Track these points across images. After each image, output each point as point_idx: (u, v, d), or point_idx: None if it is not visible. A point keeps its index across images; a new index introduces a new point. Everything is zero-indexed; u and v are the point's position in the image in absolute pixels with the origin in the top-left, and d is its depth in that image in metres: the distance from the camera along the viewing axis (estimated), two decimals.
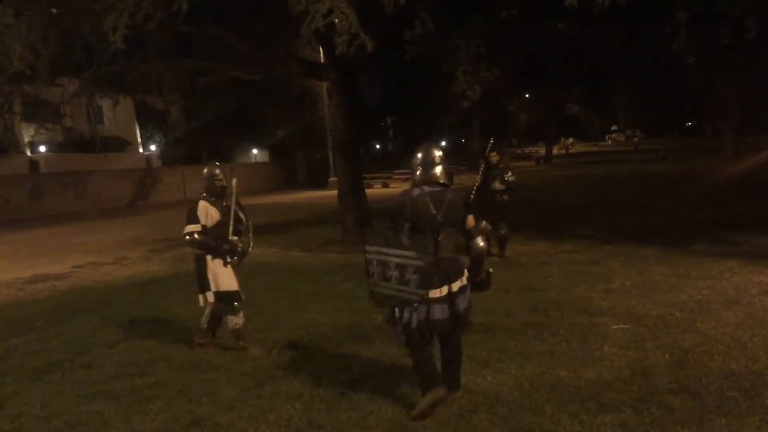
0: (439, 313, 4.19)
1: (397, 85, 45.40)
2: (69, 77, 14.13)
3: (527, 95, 53.51)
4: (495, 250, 9.98)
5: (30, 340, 6.83)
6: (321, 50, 15.45)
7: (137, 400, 4.78)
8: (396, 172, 45.86)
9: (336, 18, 8.82)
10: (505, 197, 9.95)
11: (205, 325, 6.02)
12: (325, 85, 32.12)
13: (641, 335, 5.71)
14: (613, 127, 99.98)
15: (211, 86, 17.19)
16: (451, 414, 4.23)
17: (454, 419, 4.16)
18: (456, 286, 4.24)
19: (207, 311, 5.97)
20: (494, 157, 9.89)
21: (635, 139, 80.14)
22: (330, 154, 36.03)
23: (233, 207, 5.92)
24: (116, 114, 37.87)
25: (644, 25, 16.66)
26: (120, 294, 9.35)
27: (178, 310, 7.85)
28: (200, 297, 5.85)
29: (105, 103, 21.28)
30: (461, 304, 4.28)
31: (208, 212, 5.78)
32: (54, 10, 10.49)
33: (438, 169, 4.36)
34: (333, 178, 31.45)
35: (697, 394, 4.35)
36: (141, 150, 44.65)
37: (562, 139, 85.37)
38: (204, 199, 5.89)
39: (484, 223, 4.65)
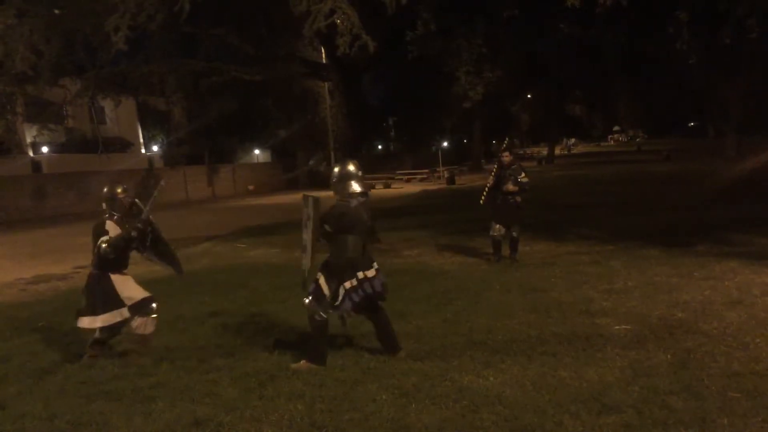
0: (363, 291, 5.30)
1: (398, 85, 45.32)
2: (71, 78, 14.17)
3: (529, 95, 53.54)
4: (507, 252, 9.96)
5: (33, 341, 6.84)
6: (323, 51, 15.47)
7: (139, 400, 4.78)
8: (398, 172, 45.86)
9: (338, 18, 8.84)
10: (518, 199, 9.75)
11: (98, 336, 5.91)
12: (327, 85, 32.21)
13: (643, 336, 5.71)
14: (616, 128, 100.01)
15: (214, 87, 17.17)
16: (453, 414, 4.24)
17: (456, 419, 4.16)
18: (371, 272, 5.37)
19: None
20: (507, 158, 9.78)
21: (637, 140, 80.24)
22: (332, 154, 36.06)
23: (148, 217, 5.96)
24: (118, 115, 38.01)
25: (646, 25, 16.65)
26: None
27: (179, 310, 7.86)
28: (107, 315, 5.66)
29: (107, 104, 21.33)
30: (377, 284, 5.40)
31: (115, 231, 5.74)
32: (56, 11, 10.52)
33: (358, 183, 5.40)
34: None
35: (699, 394, 4.34)
36: (143, 151, 44.68)
37: (565, 140, 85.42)
38: (109, 218, 5.87)
39: None
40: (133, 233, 5.80)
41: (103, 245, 5.64)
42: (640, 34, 19.21)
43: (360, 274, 5.30)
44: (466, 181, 37.70)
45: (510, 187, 9.63)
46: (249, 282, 9.60)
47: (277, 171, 48.23)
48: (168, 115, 43.26)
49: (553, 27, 17.15)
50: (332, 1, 8.70)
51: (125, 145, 42.39)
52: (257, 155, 51.91)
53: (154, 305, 5.84)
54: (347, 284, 5.27)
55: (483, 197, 9.97)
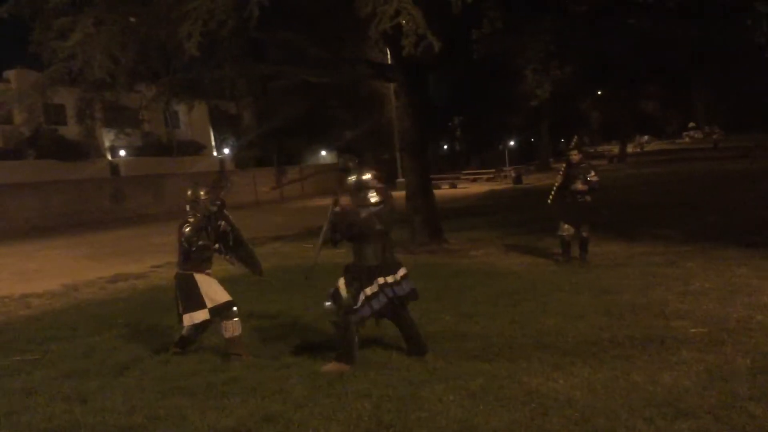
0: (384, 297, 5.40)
1: (464, 84, 45.04)
2: (147, 84, 14.67)
3: (600, 92, 52.26)
4: (576, 253, 9.78)
5: (112, 337, 7.12)
6: (388, 52, 15.52)
7: (213, 396, 4.92)
8: (464, 172, 45.62)
9: (403, 19, 8.85)
10: (588, 198, 9.54)
11: (183, 333, 6.16)
12: (392, 86, 32.28)
13: (721, 339, 5.50)
14: (691, 124, 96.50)
15: (282, 90, 17.53)
16: (522, 417, 4.18)
17: (525, 422, 4.11)
18: (391, 278, 5.49)
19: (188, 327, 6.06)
20: (575, 156, 9.59)
21: (714, 137, 77.20)
22: (398, 155, 36.16)
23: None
24: (191, 119, 39.19)
25: (722, 17, 16.00)
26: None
27: (250, 307, 8.03)
28: (188, 316, 5.86)
29: (181, 109, 22.01)
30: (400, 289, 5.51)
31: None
32: (132, 19, 10.92)
33: (374, 192, 5.47)
34: (401, 179, 31.53)
35: None
36: (215, 153, 45.90)
37: (637, 137, 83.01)
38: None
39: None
40: (213, 208, 5.99)
41: (186, 229, 5.81)
42: (715, 27, 18.46)
43: (381, 280, 5.39)
44: (533, 180, 37.14)
45: (579, 186, 9.43)
46: (316, 282, 9.70)
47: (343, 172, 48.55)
48: (238, 119, 44.33)
49: (624, 22, 16.69)
50: (397, 2, 8.71)
51: (198, 148, 43.65)
52: (324, 157, 52.54)
53: (234, 308, 5.95)
54: (368, 291, 5.37)
55: (551, 197, 9.80)
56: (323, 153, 52.01)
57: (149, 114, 17.76)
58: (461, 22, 11.98)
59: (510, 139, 59.23)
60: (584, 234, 9.62)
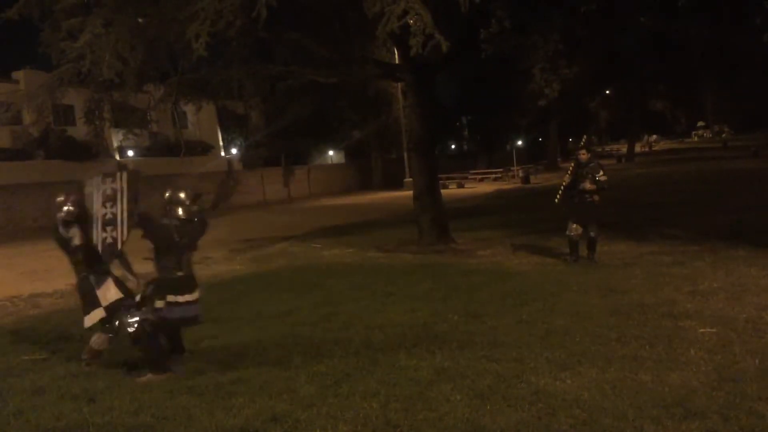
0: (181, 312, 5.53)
1: (472, 84, 45.00)
2: (155, 84, 14.70)
3: (608, 91, 52.10)
4: (585, 252, 9.74)
5: (119, 337, 7.14)
6: (396, 51, 15.52)
7: (220, 395, 4.93)
8: (471, 172, 45.56)
9: (411, 19, 8.84)
10: (596, 198, 9.47)
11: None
12: (400, 85, 32.28)
13: (729, 339, 5.47)
14: (700, 123, 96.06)
15: (290, 90, 17.52)
16: (529, 417, 4.18)
17: (532, 422, 4.10)
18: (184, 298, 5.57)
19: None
20: (584, 156, 9.54)
21: (723, 135, 76.81)
22: (405, 154, 36.13)
23: None
24: (199, 119, 39.28)
25: (731, 16, 15.92)
26: (206, 293, 9.62)
27: (258, 308, 8.07)
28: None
29: (189, 109, 22.04)
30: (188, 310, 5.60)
31: None
32: (141, 20, 10.95)
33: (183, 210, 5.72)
34: (408, 179, 31.56)
35: None
36: (222, 153, 45.99)
37: (645, 136, 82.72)
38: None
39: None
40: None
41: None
42: (725, 26, 18.36)
43: (170, 298, 5.51)
44: (541, 180, 37.04)
45: (587, 185, 9.39)
46: (324, 281, 9.74)
47: (350, 172, 48.74)
48: (246, 119, 44.38)
49: (634, 20, 16.64)
50: (405, 1, 8.70)
51: (206, 148, 43.71)
52: (331, 156, 52.58)
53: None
54: (158, 303, 5.50)
55: (558, 196, 9.78)
56: (331, 153, 52.06)
57: (157, 114, 17.76)
58: (469, 22, 11.98)
59: (518, 138, 59.16)
60: (592, 234, 9.58)
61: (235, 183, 38.31)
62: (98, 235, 5.71)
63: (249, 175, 40.25)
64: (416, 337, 6.15)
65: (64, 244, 5.93)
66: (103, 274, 5.95)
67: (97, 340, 5.91)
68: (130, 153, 38.71)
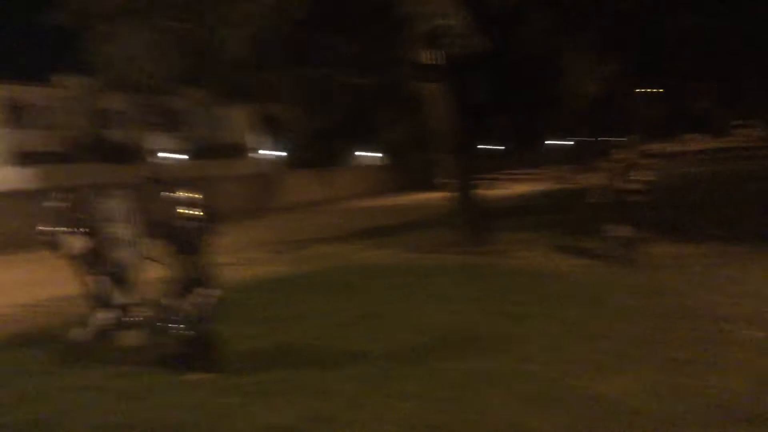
0: None
1: (508, 83, 44.64)
2: (192, 88, 14.95)
3: (649, 90, 51.18)
4: (626, 253, 9.60)
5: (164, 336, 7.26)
6: (431, 52, 15.51)
7: (264, 394, 4.99)
8: (508, 172, 45.26)
9: (445, 20, 8.83)
10: (636, 197, 9.35)
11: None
12: (435, 86, 32.21)
13: None
14: (743, 122, 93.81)
15: (327, 92, 17.63)
16: (573, 420, 4.15)
17: (576, 426, 4.07)
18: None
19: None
20: (623, 155, 9.45)
21: None
22: (440, 155, 36.03)
23: None
24: (236, 122, 39.77)
25: None
26: (247, 293, 9.75)
27: (299, 309, 8.13)
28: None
29: (226, 112, 22.30)
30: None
31: None
32: (178, 25, 11.15)
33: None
34: (446, 180, 31.47)
35: None
36: (260, 155, 46.47)
37: (687, 135, 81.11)
38: None
39: None
40: None
41: None
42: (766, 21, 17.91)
43: (198, 292, 5.69)
44: (580, 180, 36.57)
45: (627, 185, 9.27)
46: (364, 283, 9.78)
47: (388, 173, 48.80)
48: (281, 121, 44.76)
49: (674, 17, 16.33)
50: (440, 2, 8.71)
51: (244, 151, 44.25)
52: (370, 158, 52.69)
53: None
54: (194, 298, 5.65)
55: (597, 196, 9.67)
56: (369, 154, 52.17)
57: (195, 117, 18.08)
58: (505, 21, 11.91)
59: (555, 138, 58.45)
60: (632, 234, 9.44)
61: (274, 185, 38.67)
62: (120, 251, 6.17)
63: (288, 177, 40.60)
64: (457, 339, 6.14)
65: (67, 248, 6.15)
66: (111, 277, 6.20)
67: (129, 337, 6.13)
68: (169, 156, 39.34)
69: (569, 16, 13.08)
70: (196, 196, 5.98)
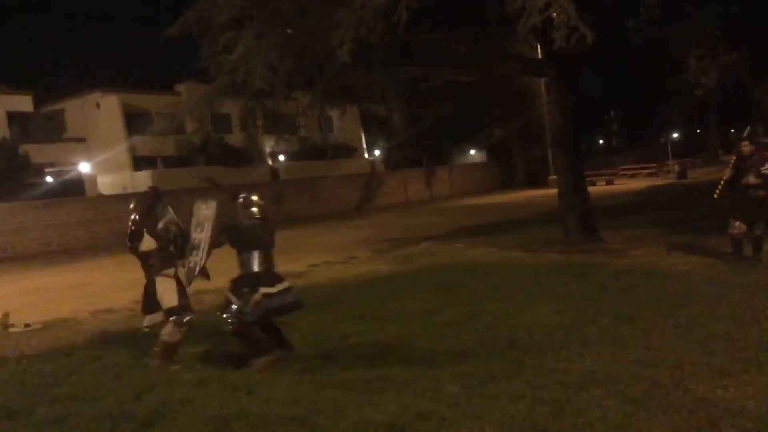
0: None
1: (620, 75, 42.96)
2: (302, 91, 15.39)
3: None
4: (749, 252, 9.04)
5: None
6: (538, 46, 15.18)
7: (368, 391, 5.05)
8: (621, 168, 43.59)
9: (553, 12, 8.62)
10: (761, 193, 8.71)
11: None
12: (543, 81, 31.49)
13: None
14: None
15: (430, 91, 17.67)
16: (687, 426, 3.94)
17: (690, 431, 3.86)
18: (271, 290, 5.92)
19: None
20: (747, 148, 8.85)
21: None
22: (549, 151, 35.21)
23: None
24: (344, 123, 40.60)
25: None
26: (350, 291, 9.96)
27: (402, 307, 8.19)
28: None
29: (334, 113, 22.86)
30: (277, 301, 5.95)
31: None
32: (289, 31, 11.51)
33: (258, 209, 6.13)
34: (553, 176, 30.76)
35: None
36: (366, 155, 47.20)
37: None
38: None
39: None
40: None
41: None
42: None
43: (263, 290, 5.85)
44: (700, 174, 34.78)
45: (751, 179, 8.68)
46: (467, 281, 9.72)
47: (492, 171, 48.29)
48: (388, 121, 45.26)
49: None
50: None
51: (350, 151, 45.10)
52: (473, 156, 52.34)
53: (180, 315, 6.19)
54: (256, 296, 5.82)
55: (719, 191, 9.12)
56: (472, 152, 51.83)
57: (305, 120, 18.58)
58: (616, 11, 11.48)
59: (673, 131, 55.77)
60: (757, 232, 8.85)
61: (378, 184, 39.18)
62: (185, 258, 6.29)
63: (391, 175, 41.05)
64: (563, 339, 5.98)
65: (134, 251, 6.38)
66: (169, 278, 6.28)
67: (168, 332, 6.18)
68: (281, 157, 40.71)
69: (685, 3, 12.42)
70: (256, 198, 6.19)
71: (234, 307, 5.93)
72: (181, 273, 6.36)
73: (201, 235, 6.16)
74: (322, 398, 4.97)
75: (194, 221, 6.29)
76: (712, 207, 10.60)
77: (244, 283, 5.95)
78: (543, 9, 8.54)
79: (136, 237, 6.27)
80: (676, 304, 7.01)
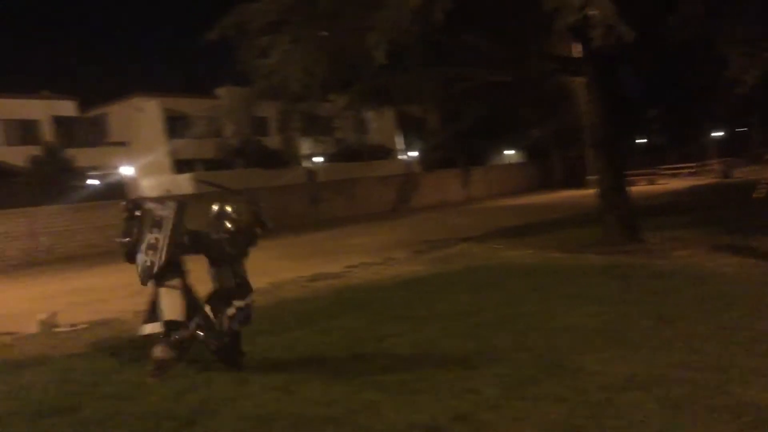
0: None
1: (660, 74, 42.14)
2: (338, 93, 15.46)
3: None
4: None
5: (312, 332, 7.58)
6: (575, 45, 15.00)
7: (405, 392, 5.06)
8: (663, 167, 42.77)
9: (590, 10, 8.52)
10: None
11: None
12: (580, 80, 31.11)
13: None
14: None
15: (466, 91, 17.58)
16: (731, 430, 3.85)
17: None
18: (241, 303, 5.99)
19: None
20: None
21: None
22: (587, 152, 34.72)
23: None
24: (380, 124, 40.58)
25: None
26: (388, 292, 9.97)
27: (440, 308, 8.18)
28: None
29: (370, 115, 22.94)
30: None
31: None
32: (325, 34, 11.58)
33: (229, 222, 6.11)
34: (591, 177, 30.35)
35: None
36: (402, 156, 47.18)
37: None
38: None
39: None
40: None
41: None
42: None
43: (236, 303, 5.92)
44: (743, 174, 33.93)
45: None
46: (504, 282, 9.66)
47: (529, 171, 47.85)
48: (424, 122, 45.17)
49: None
50: None
51: (386, 152, 45.14)
52: (510, 156, 51.92)
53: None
54: (229, 312, 5.89)
55: (761, 191, 8.91)
56: (509, 152, 51.42)
57: (341, 122, 18.69)
58: (655, 9, 11.29)
59: (715, 130, 54.53)
60: None
61: (414, 185, 39.15)
62: (140, 258, 5.86)
63: (428, 177, 40.95)
64: (604, 342, 5.90)
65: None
66: (175, 290, 5.87)
67: (160, 349, 5.77)
68: (318, 159, 40.94)
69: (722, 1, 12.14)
70: (230, 209, 6.16)
71: (214, 324, 5.98)
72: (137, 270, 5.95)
73: (159, 235, 5.80)
74: (359, 399, 4.99)
75: (148, 221, 5.85)
76: (756, 207, 10.35)
77: (219, 299, 6.00)
78: (580, 7, 8.45)
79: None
80: (720, 306, 6.87)
